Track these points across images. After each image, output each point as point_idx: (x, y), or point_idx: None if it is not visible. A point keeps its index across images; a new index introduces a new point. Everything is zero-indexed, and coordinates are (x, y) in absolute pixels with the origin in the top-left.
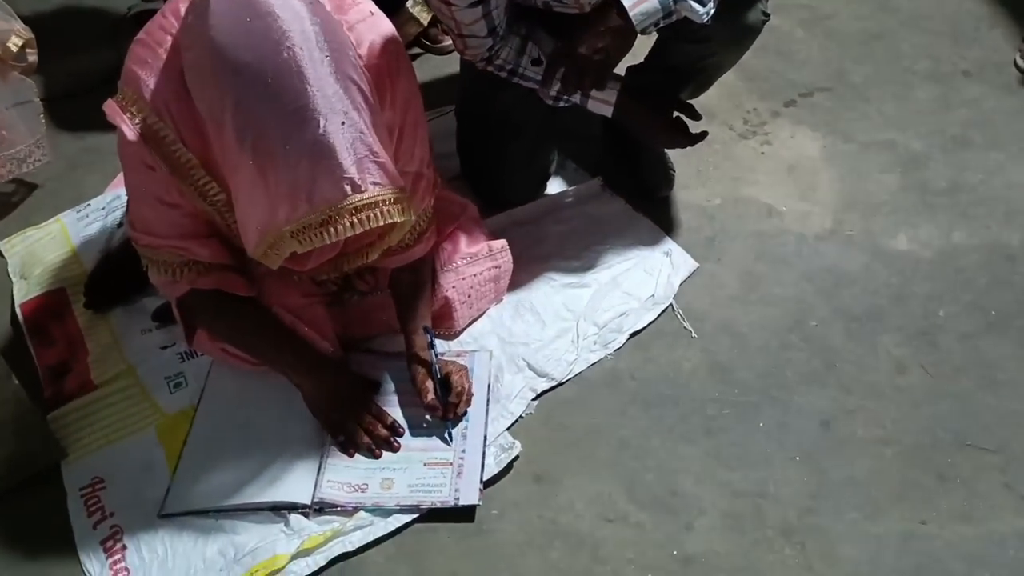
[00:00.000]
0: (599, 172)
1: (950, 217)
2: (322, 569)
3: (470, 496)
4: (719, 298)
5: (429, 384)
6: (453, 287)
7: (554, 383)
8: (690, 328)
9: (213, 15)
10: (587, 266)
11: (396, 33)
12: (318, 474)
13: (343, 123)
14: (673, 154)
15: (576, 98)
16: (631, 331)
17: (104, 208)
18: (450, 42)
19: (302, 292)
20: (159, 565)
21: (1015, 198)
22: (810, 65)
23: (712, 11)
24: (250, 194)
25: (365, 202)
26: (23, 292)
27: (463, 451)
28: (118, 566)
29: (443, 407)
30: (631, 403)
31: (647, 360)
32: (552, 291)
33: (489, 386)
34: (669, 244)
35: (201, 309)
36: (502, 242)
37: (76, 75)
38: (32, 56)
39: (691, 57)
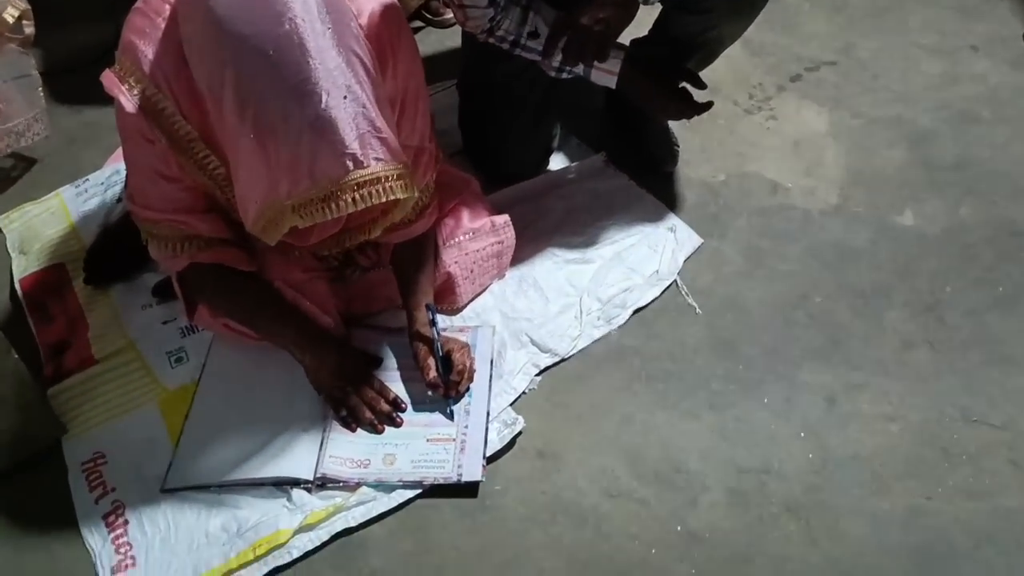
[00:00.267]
0: (602, 147)
1: (957, 192)
2: (325, 544)
3: (473, 472)
4: (724, 274)
5: (431, 361)
6: (455, 262)
7: (557, 359)
8: (695, 304)
9: None
10: (590, 242)
11: (396, 1)
12: (320, 449)
13: (345, 97)
14: (677, 129)
15: (579, 69)
16: (635, 307)
17: (103, 183)
18: (451, 15)
19: (303, 267)
20: (161, 540)
21: (1022, 173)
22: (816, 39)
23: None
24: (250, 168)
25: (368, 178)
26: (22, 267)
27: (466, 427)
28: (120, 540)
29: (444, 385)
30: (635, 379)
31: (651, 336)
32: (555, 267)
33: (492, 362)
34: (673, 220)
35: (202, 284)
36: (505, 217)
37: (74, 49)
38: (29, 28)
39: (694, 29)
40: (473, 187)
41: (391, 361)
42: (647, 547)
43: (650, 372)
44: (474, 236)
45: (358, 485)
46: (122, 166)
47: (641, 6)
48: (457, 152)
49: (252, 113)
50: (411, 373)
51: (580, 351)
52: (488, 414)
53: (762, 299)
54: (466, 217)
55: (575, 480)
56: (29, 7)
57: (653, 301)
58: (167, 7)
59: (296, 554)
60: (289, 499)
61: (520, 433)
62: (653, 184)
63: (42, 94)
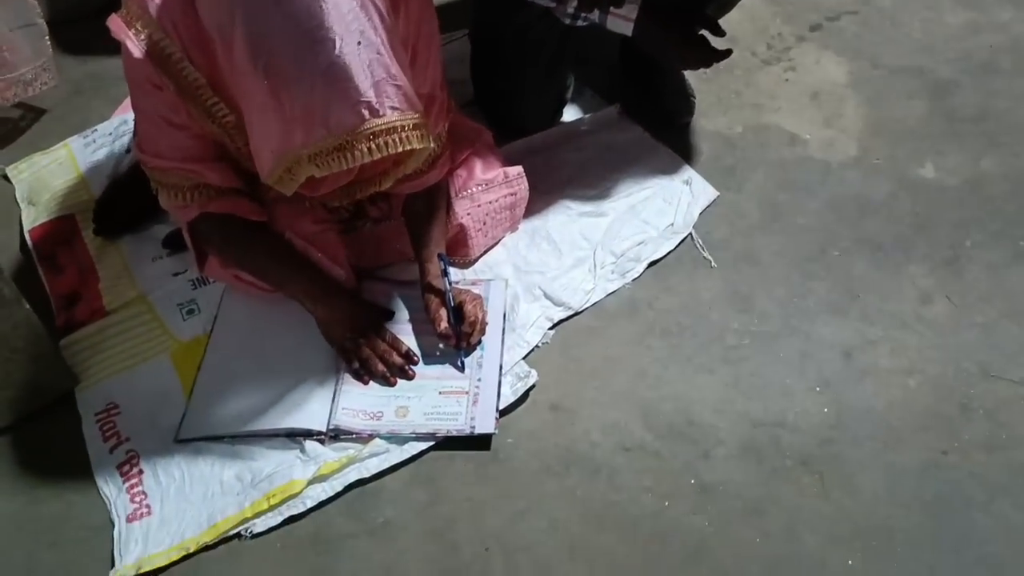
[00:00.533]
0: (617, 99)
1: (978, 144)
2: (339, 494)
3: (486, 424)
4: (740, 227)
5: (443, 313)
6: (468, 214)
7: (571, 312)
8: (710, 258)
9: None
10: (604, 195)
11: None
12: (333, 401)
13: (359, 43)
14: (694, 81)
15: (594, 16)
16: (649, 260)
17: (111, 133)
18: None
19: (314, 218)
20: (176, 489)
21: None
22: None
23: None
24: (264, 118)
25: (383, 127)
26: (32, 218)
27: (479, 380)
28: (135, 490)
29: (456, 336)
30: (649, 333)
31: (666, 290)
32: (569, 220)
33: (505, 315)
34: (689, 172)
35: (212, 234)
36: (518, 169)
37: None
38: None
39: None
40: (486, 138)
41: (403, 314)
42: (660, 499)
43: (664, 326)
44: (487, 187)
45: (371, 437)
46: (130, 116)
47: None
48: (468, 103)
49: (264, 60)
50: (423, 326)
51: (594, 305)
52: (501, 367)
53: (778, 252)
54: (479, 168)
55: (588, 433)
56: None
57: (668, 254)
58: None
59: (310, 504)
60: (302, 450)
61: (533, 386)
62: (668, 136)
63: (49, 42)
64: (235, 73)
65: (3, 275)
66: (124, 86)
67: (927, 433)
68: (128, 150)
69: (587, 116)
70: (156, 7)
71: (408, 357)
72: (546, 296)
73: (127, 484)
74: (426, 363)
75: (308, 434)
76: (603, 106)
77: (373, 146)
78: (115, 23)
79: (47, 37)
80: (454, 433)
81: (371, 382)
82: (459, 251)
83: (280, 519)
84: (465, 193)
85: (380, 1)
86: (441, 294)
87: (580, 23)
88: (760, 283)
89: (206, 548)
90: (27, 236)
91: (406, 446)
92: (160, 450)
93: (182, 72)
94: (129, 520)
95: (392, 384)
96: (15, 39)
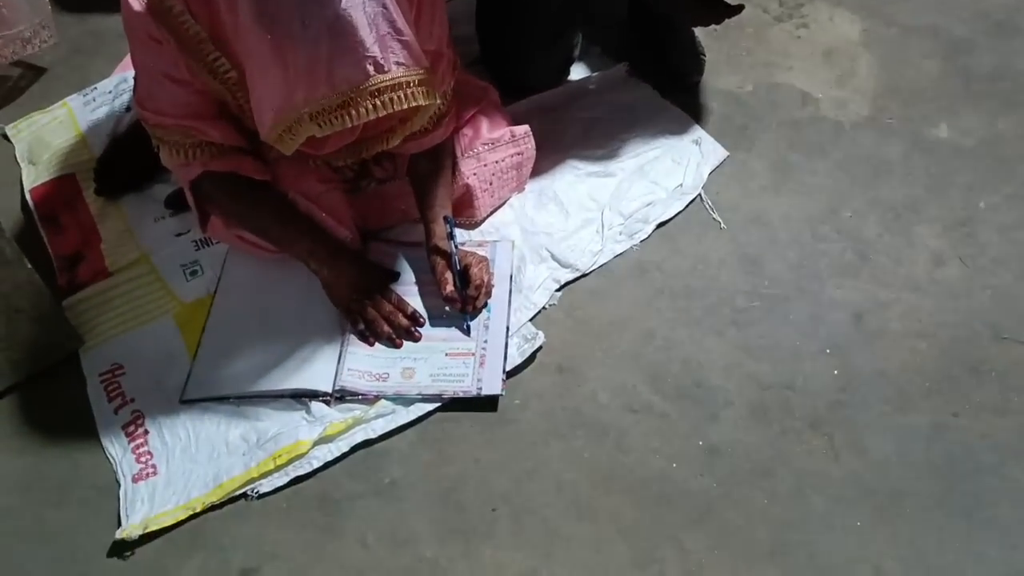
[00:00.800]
0: (625, 58)
1: (993, 105)
2: (345, 455)
3: (493, 386)
4: (750, 188)
5: (448, 275)
6: (474, 174)
7: (578, 274)
8: (719, 219)
9: None
10: (612, 155)
11: None
12: (338, 363)
13: None
14: (704, 38)
15: None
16: (658, 221)
17: (111, 92)
18: None
19: (319, 178)
20: (182, 449)
21: None
22: None
23: None
24: (265, 74)
25: (388, 83)
26: (32, 177)
27: (485, 341)
28: (141, 450)
29: (462, 299)
30: (657, 295)
31: (674, 251)
32: (576, 180)
33: (511, 276)
34: (698, 132)
35: (215, 193)
36: (525, 128)
37: None
38: None
39: None
40: (492, 96)
41: (408, 275)
42: (668, 461)
43: (672, 288)
44: (493, 147)
45: (377, 398)
46: (130, 74)
47: None
48: (474, 62)
49: (268, 14)
50: (429, 287)
51: (601, 266)
52: (508, 329)
53: (789, 214)
54: (485, 127)
55: (596, 395)
56: None
57: (676, 215)
58: None
59: (316, 464)
60: (308, 411)
61: (540, 348)
62: (677, 95)
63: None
64: (238, 27)
65: (4, 235)
66: (124, 44)
67: (937, 396)
68: (128, 108)
69: (595, 75)
70: None
71: (414, 319)
72: (553, 258)
73: (132, 444)
74: (432, 325)
75: (313, 395)
76: (611, 65)
77: (379, 103)
78: None
79: None
80: (461, 394)
81: (377, 344)
82: (465, 212)
83: (286, 479)
84: (471, 152)
85: None
86: (447, 256)
87: None
88: (770, 245)
89: (212, 508)
90: (28, 196)
91: (412, 407)
92: (165, 411)
93: (183, 26)
94: (135, 480)
95: (398, 346)
96: None
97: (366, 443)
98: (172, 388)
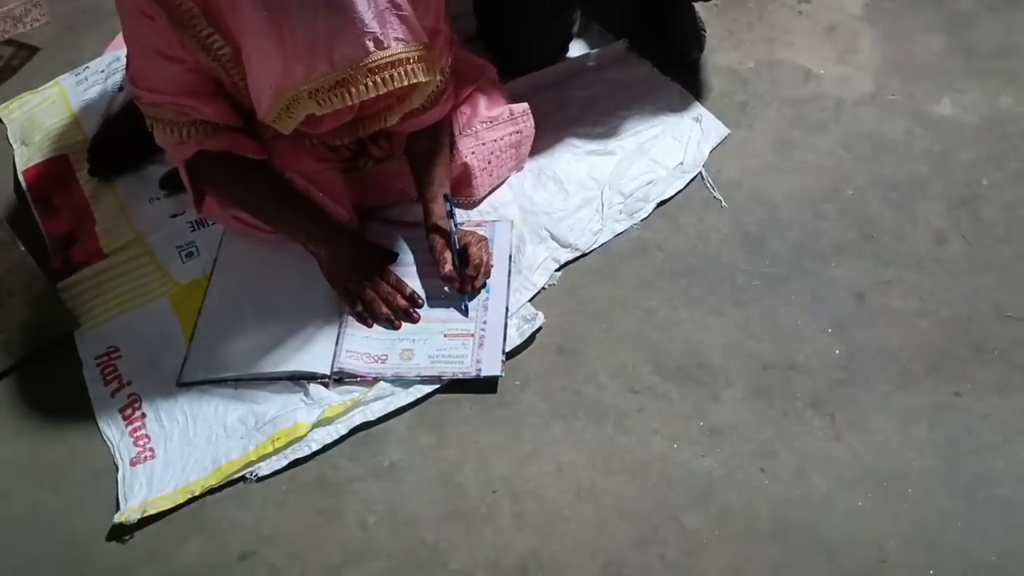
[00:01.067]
0: (625, 34)
1: (997, 81)
2: (344, 438)
3: (492, 367)
4: (751, 166)
5: (447, 255)
6: (472, 153)
7: (578, 254)
8: (720, 197)
9: None
10: (612, 133)
11: None
12: (336, 344)
13: None
14: (704, 14)
15: None
16: (658, 200)
17: (103, 71)
18: None
19: (316, 157)
20: (180, 432)
21: None
22: None
23: None
24: (262, 51)
25: (388, 60)
26: (25, 158)
27: (484, 322)
28: (138, 433)
29: (460, 279)
30: (658, 274)
31: (675, 230)
32: (575, 159)
33: (511, 257)
34: (699, 109)
35: (210, 173)
36: (523, 106)
37: None
38: None
39: None
40: (490, 74)
41: (407, 256)
42: (669, 441)
43: (673, 267)
44: (491, 125)
45: (376, 380)
46: (123, 52)
47: None
48: (471, 39)
49: None
50: (428, 268)
51: (601, 246)
52: (507, 309)
53: (791, 192)
54: (483, 105)
55: (596, 375)
56: None
57: (677, 194)
58: None
59: (315, 447)
60: (306, 393)
61: (540, 329)
62: (678, 72)
63: None
64: (233, 3)
65: None
66: (117, 21)
67: (939, 375)
68: (121, 88)
69: (594, 51)
70: None
71: (413, 300)
72: (553, 237)
73: (130, 428)
74: (431, 305)
75: (312, 377)
76: (611, 41)
77: (378, 79)
78: None
79: None
80: (460, 376)
81: (375, 325)
82: (463, 191)
83: (285, 462)
84: (469, 131)
85: None
86: (446, 235)
87: None
88: (771, 223)
89: (211, 491)
90: (20, 177)
91: (411, 389)
92: (162, 394)
93: (175, 1)
94: (133, 464)
95: (396, 327)
96: None
97: (365, 425)
98: (169, 371)
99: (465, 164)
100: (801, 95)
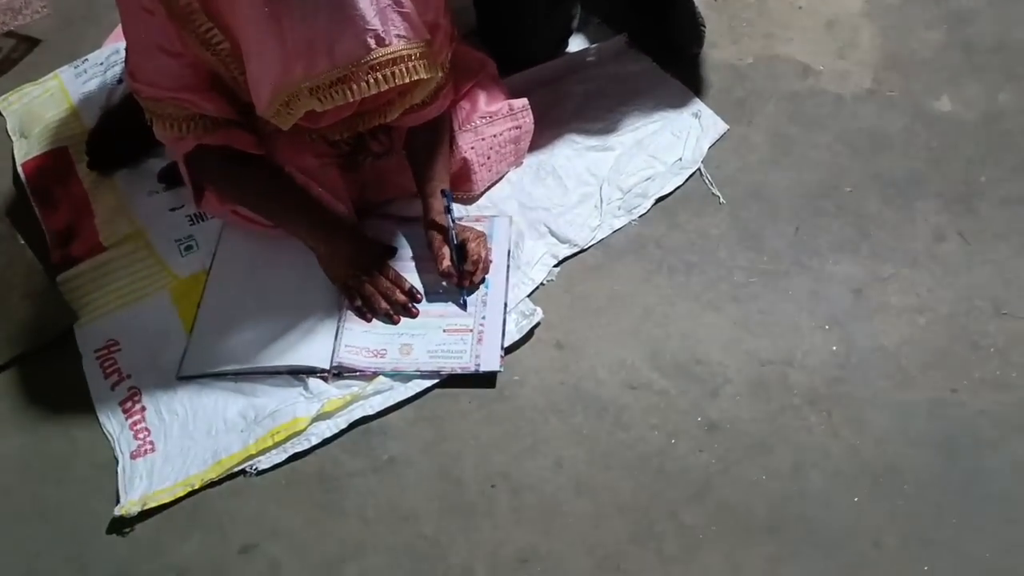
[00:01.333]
0: (624, 29)
1: (997, 77)
2: (343, 432)
3: (491, 362)
4: (750, 162)
5: (445, 251)
6: (472, 148)
7: (576, 249)
8: (719, 193)
9: None
10: (611, 128)
11: None
12: (336, 339)
13: None
14: (703, 9)
15: None
16: (657, 196)
17: (103, 63)
18: None
19: (315, 152)
20: (180, 426)
21: None
22: None
23: None
24: (262, 47)
25: (390, 57)
26: (24, 151)
27: (483, 318)
28: (138, 427)
29: (458, 275)
30: (656, 270)
31: (673, 226)
32: (574, 154)
33: (509, 252)
34: (698, 105)
35: (210, 167)
36: (523, 101)
37: None
38: None
39: None
40: (489, 69)
41: (406, 251)
42: (667, 437)
43: (671, 263)
44: (491, 120)
45: (375, 375)
46: (122, 45)
47: None
48: (470, 33)
49: None
50: (426, 263)
51: (600, 241)
52: (506, 305)
53: (789, 188)
54: (482, 100)
55: (594, 371)
56: None
57: (676, 190)
58: None
59: (315, 441)
60: (306, 388)
61: (538, 324)
62: (677, 67)
63: None
64: (234, 1)
65: None
66: (116, 14)
67: (937, 371)
68: (120, 80)
69: (593, 46)
70: None
71: (411, 295)
72: (551, 233)
73: (130, 421)
74: (429, 301)
75: (311, 372)
76: (610, 36)
77: (380, 76)
78: None
79: None
80: (459, 371)
81: (374, 320)
82: (462, 186)
83: (285, 456)
84: (468, 126)
85: None
86: (444, 231)
87: None
88: (770, 220)
89: (211, 485)
90: (19, 170)
91: (410, 384)
92: (162, 387)
93: None
94: (133, 457)
95: (395, 322)
96: None
97: (364, 420)
98: (168, 364)
99: (464, 159)
100: (800, 91)
